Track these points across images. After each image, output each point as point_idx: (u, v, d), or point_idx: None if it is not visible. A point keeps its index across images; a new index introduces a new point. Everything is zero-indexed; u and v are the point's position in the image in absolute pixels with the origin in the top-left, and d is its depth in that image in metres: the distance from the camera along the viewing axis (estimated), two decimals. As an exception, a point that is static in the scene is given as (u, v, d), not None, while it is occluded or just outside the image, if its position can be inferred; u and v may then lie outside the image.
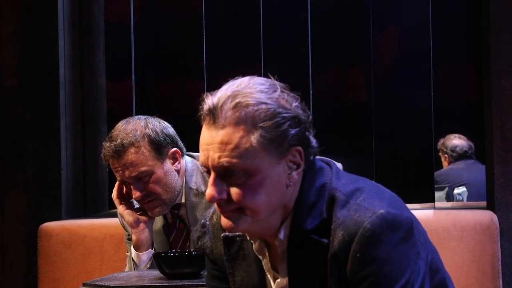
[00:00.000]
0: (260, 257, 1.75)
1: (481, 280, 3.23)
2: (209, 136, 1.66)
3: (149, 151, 2.85)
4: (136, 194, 2.84)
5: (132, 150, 2.83)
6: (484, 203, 3.59)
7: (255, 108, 1.64)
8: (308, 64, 4.11)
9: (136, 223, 2.90)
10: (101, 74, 4.13)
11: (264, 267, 1.75)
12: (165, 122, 2.97)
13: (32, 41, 3.86)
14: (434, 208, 3.71)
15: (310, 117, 1.72)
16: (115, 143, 2.84)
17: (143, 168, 2.83)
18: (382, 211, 1.62)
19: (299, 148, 1.66)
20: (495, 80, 3.41)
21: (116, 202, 2.94)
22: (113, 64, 4.19)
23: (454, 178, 5.06)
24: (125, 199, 2.93)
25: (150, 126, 2.90)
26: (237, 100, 1.65)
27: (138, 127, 2.87)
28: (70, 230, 3.57)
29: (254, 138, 1.63)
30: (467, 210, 3.55)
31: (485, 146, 3.60)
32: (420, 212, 3.53)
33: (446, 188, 4.93)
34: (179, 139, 2.96)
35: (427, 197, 3.93)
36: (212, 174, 1.65)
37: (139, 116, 2.96)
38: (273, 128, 1.63)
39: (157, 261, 2.47)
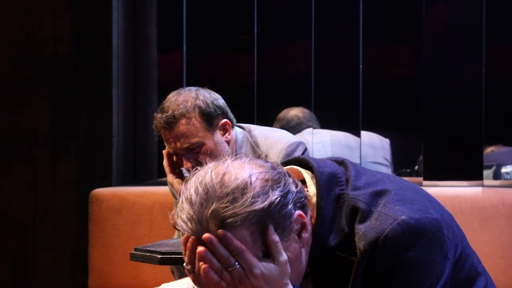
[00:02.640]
0: None
1: (527, 258, 3.23)
2: None
3: (199, 122, 2.88)
4: (187, 164, 2.88)
5: (183, 121, 2.86)
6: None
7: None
8: (359, 38, 4.10)
9: None
10: (153, 44, 4.18)
11: None
12: (216, 94, 3.00)
13: (85, 10, 3.92)
14: (483, 186, 3.70)
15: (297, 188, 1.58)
16: (166, 114, 2.87)
17: (194, 139, 2.86)
18: (403, 217, 1.54)
19: (302, 213, 1.54)
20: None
21: (167, 170, 2.98)
22: (165, 35, 4.23)
23: (503, 157, 5.02)
24: (175, 168, 2.97)
25: (201, 97, 2.92)
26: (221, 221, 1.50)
27: (189, 98, 2.90)
28: (120, 196, 3.63)
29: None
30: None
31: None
32: (468, 190, 3.53)
33: (494, 167, 4.90)
34: (229, 110, 2.98)
35: (475, 175, 3.92)
36: None
37: (190, 87, 2.99)
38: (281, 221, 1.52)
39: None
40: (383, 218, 1.55)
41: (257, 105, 4.15)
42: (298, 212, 1.53)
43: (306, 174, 1.64)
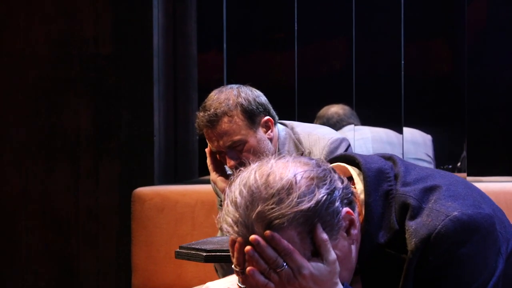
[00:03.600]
0: None
1: None
2: None
3: (242, 120, 2.86)
4: (230, 162, 2.87)
5: (226, 119, 2.85)
6: None
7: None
8: (401, 34, 4.07)
9: None
10: (193, 43, 4.18)
11: None
12: (257, 91, 2.98)
13: (126, 10, 3.93)
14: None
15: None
16: (208, 112, 2.86)
17: (237, 137, 2.85)
18: (456, 213, 1.52)
19: (349, 210, 1.52)
20: None
21: (210, 168, 2.97)
22: (205, 34, 4.23)
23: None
24: (218, 166, 2.97)
25: (243, 95, 2.91)
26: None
27: (230, 96, 2.89)
28: (162, 195, 3.63)
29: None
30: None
31: None
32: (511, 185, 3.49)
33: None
34: (271, 108, 2.97)
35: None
36: None
37: (232, 85, 2.98)
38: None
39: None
40: (435, 214, 1.52)
41: (297, 102, 4.14)
42: (345, 209, 1.52)
43: (353, 171, 1.62)
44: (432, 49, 4.31)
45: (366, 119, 4.21)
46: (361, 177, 1.60)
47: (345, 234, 1.52)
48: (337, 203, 1.50)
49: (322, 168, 1.52)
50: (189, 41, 4.17)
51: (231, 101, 2.87)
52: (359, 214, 1.57)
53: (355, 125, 4.16)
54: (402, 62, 4.08)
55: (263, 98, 2.96)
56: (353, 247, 1.54)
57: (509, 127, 4.08)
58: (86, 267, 3.94)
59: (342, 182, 1.54)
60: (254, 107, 2.89)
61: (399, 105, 4.11)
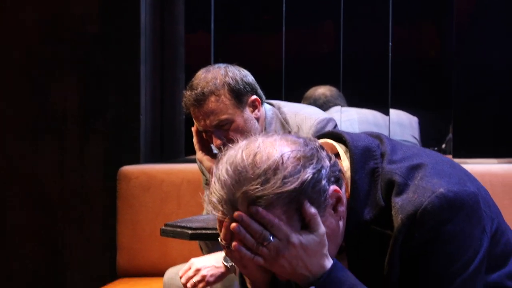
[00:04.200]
0: None
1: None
2: None
3: (229, 99, 2.85)
4: (216, 141, 2.86)
5: (213, 98, 2.83)
6: None
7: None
8: (388, 16, 4.07)
9: None
10: (180, 22, 4.17)
11: None
12: (245, 70, 2.97)
13: (113, -12, 3.92)
14: (513, 163, 3.67)
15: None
16: (196, 91, 2.84)
17: (224, 116, 2.84)
18: (441, 190, 1.51)
19: (337, 188, 1.53)
20: None
21: (196, 147, 2.97)
22: (192, 14, 4.22)
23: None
24: (205, 145, 2.97)
25: (230, 74, 2.90)
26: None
27: (218, 75, 2.88)
28: (148, 174, 3.64)
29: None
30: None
31: None
32: (499, 167, 3.50)
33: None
34: (258, 87, 2.96)
35: (505, 152, 3.89)
36: None
37: (219, 64, 2.96)
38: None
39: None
40: (421, 191, 1.53)
41: (285, 84, 4.14)
42: (332, 187, 1.52)
43: (340, 148, 1.62)
44: (420, 32, 4.31)
45: (353, 101, 4.21)
46: (348, 154, 1.60)
47: (332, 211, 1.53)
48: (324, 182, 1.50)
49: (310, 147, 1.52)
50: (176, 21, 4.16)
51: (218, 80, 2.86)
52: (346, 191, 1.57)
53: (341, 106, 4.17)
54: (390, 44, 4.08)
55: (250, 78, 2.95)
56: (341, 224, 1.55)
57: (494, 110, 4.09)
58: (72, 246, 3.94)
59: (330, 160, 1.54)
60: (241, 87, 2.89)
61: (386, 87, 4.11)
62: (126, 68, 3.90)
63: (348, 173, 1.58)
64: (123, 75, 3.90)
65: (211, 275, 2.72)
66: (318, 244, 1.50)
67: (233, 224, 1.48)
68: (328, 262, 1.52)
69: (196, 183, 3.56)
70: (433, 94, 4.23)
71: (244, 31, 4.34)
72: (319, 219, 1.50)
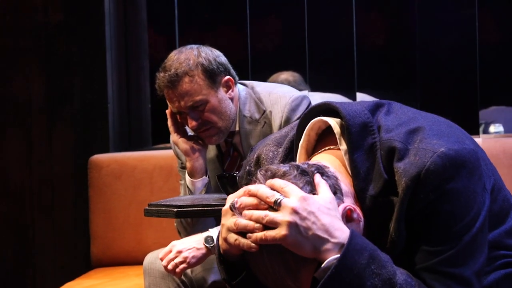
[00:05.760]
0: None
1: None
2: None
3: (203, 80, 2.84)
4: (192, 123, 2.84)
5: (186, 79, 2.81)
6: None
7: None
8: (352, 1, 4.10)
9: (191, 150, 2.91)
10: (143, 10, 4.13)
11: None
12: (217, 51, 2.95)
13: (75, -24, 3.87)
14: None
15: None
16: (169, 73, 2.82)
17: (198, 97, 2.83)
18: (442, 149, 1.52)
19: (347, 206, 1.54)
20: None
21: (171, 130, 2.94)
22: (155, 1, 4.20)
23: (491, 116, 5.06)
24: (179, 127, 2.95)
25: (203, 54, 2.88)
26: None
27: (191, 56, 2.86)
28: (120, 161, 3.60)
29: None
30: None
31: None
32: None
33: (483, 125, 4.93)
34: (231, 68, 2.95)
35: (471, 132, 3.94)
36: None
37: (191, 45, 2.93)
38: None
39: (222, 181, 2.48)
40: (422, 152, 1.53)
41: (251, 73, 4.16)
42: (343, 206, 1.52)
43: (335, 123, 1.62)
44: (385, 17, 4.35)
45: (320, 86, 4.23)
46: (345, 134, 1.59)
47: (353, 224, 1.53)
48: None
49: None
50: (139, 9, 4.12)
51: (191, 61, 2.84)
52: (347, 175, 1.58)
53: (305, 91, 4.19)
54: (354, 29, 4.11)
55: (223, 58, 2.93)
56: (361, 224, 1.55)
57: (455, 88, 4.16)
58: (43, 236, 3.89)
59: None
60: (215, 67, 2.87)
61: (352, 71, 4.14)
62: (92, 56, 3.86)
63: (346, 156, 1.59)
64: (89, 63, 3.86)
65: (193, 257, 2.70)
66: (331, 202, 1.49)
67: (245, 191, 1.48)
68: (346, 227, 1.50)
69: (168, 169, 3.54)
70: (399, 76, 4.27)
71: (207, 20, 4.33)
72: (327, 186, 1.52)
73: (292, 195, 1.46)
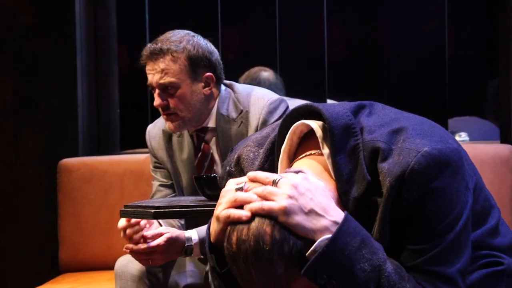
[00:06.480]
0: None
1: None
2: None
3: (184, 66, 2.85)
4: (157, 102, 2.86)
5: (168, 57, 2.84)
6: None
7: None
8: (323, 12, 4.13)
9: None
10: (113, 14, 4.10)
11: None
12: (214, 48, 2.97)
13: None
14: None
15: None
16: (155, 45, 2.85)
17: (172, 79, 2.84)
18: (426, 148, 1.53)
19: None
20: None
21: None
22: (126, 4, 4.17)
23: (457, 125, 5.12)
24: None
25: (195, 43, 2.90)
26: None
27: (183, 40, 2.88)
28: (89, 165, 3.56)
29: None
30: (485, 143, 3.58)
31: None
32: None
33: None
34: (220, 68, 2.95)
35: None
36: None
37: (191, 32, 2.95)
38: None
39: (199, 183, 2.47)
40: (406, 152, 1.53)
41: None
42: None
43: (317, 126, 1.60)
44: (355, 26, 4.39)
45: (291, 92, 4.24)
46: (327, 137, 1.59)
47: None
48: None
49: None
50: (110, 13, 4.08)
51: (181, 44, 2.88)
52: (331, 177, 1.58)
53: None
54: (325, 37, 4.14)
55: (214, 56, 2.94)
56: None
57: (419, 91, 4.22)
58: (10, 241, 3.81)
59: None
60: (201, 59, 2.89)
61: (323, 78, 4.16)
62: (62, 58, 3.80)
63: (329, 160, 1.58)
64: (59, 66, 3.80)
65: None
66: (324, 190, 1.51)
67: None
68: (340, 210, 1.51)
69: (139, 173, 3.51)
70: (368, 83, 4.31)
71: (180, 22, 4.31)
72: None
73: (290, 176, 1.50)
